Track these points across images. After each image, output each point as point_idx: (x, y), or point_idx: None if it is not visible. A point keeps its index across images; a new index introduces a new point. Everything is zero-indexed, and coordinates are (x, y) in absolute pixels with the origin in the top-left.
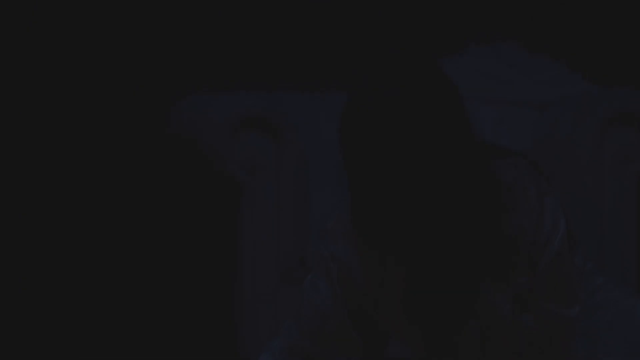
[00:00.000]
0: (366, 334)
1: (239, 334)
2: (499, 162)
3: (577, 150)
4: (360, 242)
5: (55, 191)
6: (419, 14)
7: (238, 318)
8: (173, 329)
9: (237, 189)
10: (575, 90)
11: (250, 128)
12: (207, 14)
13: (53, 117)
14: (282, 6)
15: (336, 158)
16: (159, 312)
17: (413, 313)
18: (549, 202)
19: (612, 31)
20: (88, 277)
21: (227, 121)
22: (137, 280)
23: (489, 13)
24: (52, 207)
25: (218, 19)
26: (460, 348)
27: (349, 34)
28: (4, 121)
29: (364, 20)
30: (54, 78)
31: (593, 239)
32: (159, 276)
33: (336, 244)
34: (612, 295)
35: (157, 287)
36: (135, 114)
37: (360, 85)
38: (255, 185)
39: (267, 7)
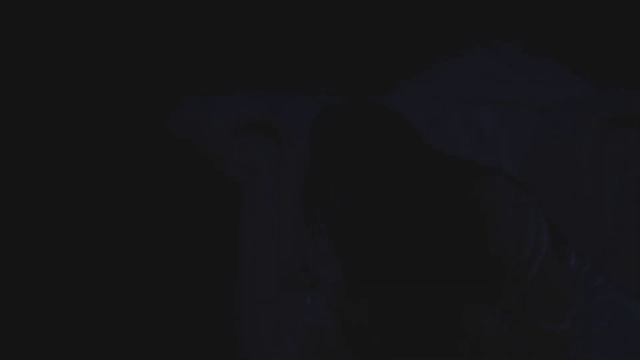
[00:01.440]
0: (364, 348)
1: (239, 335)
2: (477, 183)
3: (577, 151)
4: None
5: (54, 192)
6: (419, 16)
7: (238, 320)
8: (173, 330)
9: (237, 190)
10: (576, 92)
11: (251, 130)
12: (209, 16)
13: (53, 118)
14: (283, 9)
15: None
16: (159, 313)
17: (399, 335)
18: (531, 217)
19: (613, 33)
20: (87, 278)
21: (228, 123)
22: (137, 281)
23: (489, 14)
24: (51, 208)
25: (220, 21)
26: None
27: (349, 37)
28: (4, 121)
29: (364, 22)
30: (54, 79)
31: (594, 241)
32: (160, 277)
33: (330, 269)
34: (611, 296)
35: (157, 288)
36: (136, 115)
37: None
38: (256, 187)
39: (269, 10)
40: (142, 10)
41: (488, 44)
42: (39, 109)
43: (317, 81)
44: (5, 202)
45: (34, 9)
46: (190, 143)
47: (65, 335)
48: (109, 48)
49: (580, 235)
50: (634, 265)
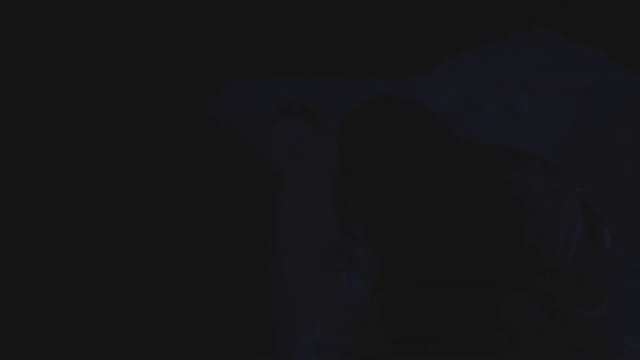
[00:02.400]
0: (397, 326)
1: (277, 322)
2: (509, 175)
3: (616, 138)
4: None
5: (56, 190)
6: (459, 3)
7: (276, 306)
8: (209, 313)
9: (276, 176)
10: (615, 79)
11: (290, 116)
12: (249, 1)
13: (60, 114)
14: None
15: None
16: (195, 299)
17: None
18: (565, 203)
19: None
20: (92, 275)
21: (266, 109)
22: (174, 267)
23: (528, 1)
24: (53, 207)
25: (259, 6)
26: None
27: (388, 20)
28: (4, 121)
29: (404, 5)
30: (61, 75)
31: (632, 227)
32: (197, 264)
33: (367, 249)
34: None
35: (195, 275)
36: (177, 101)
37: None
38: (295, 173)
39: None
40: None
41: (527, 29)
42: (46, 103)
43: (355, 65)
44: (5, 202)
45: (34, 9)
46: (229, 129)
47: (65, 335)
48: (142, 35)
49: (618, 220)
50: None
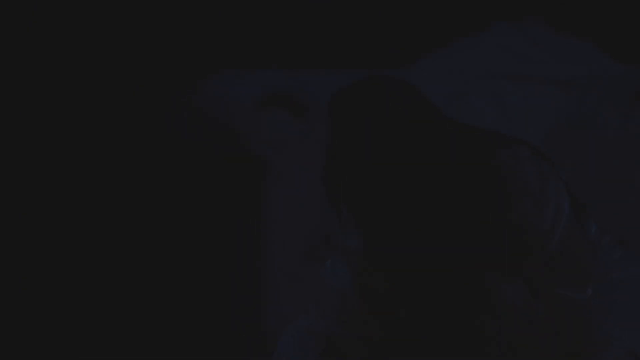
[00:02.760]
0: (383, 313)
1: (263, 309)
2: (499, 152)
3: (602, 126)
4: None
5: (59, 183)
6: None
7: (263, 294)
8: (196, 304)
9: (262, 165)
10: (601, 68)
11: (276, 104)
12: None
13: (61, 108)
14: None
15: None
16: (182, 288)
17: (424, 307)
18: (551, 186)
19: (638, 9)
20: (94, 269)
21: (252, 98)
22: (161, 256)
23: None
24: (56, 199)
25: None
26: (476, 338)
27: (373, 11)
28: (4, 120)
29: None
30: (60, 70)
31: (619, 216)
32: (183, 252)
33: (351, 232)
34: (631, 271)
35: (181, 263)
36: (163, 91)
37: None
38: (280, 163)
39: None
40: None
41: (513, 20)
42: (46, 103)
43: (341, 55)
44: (5, 202)
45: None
46: (215, 118)
47: (65, 335)
48: (131, 24)
49: (604, 207)
50: None
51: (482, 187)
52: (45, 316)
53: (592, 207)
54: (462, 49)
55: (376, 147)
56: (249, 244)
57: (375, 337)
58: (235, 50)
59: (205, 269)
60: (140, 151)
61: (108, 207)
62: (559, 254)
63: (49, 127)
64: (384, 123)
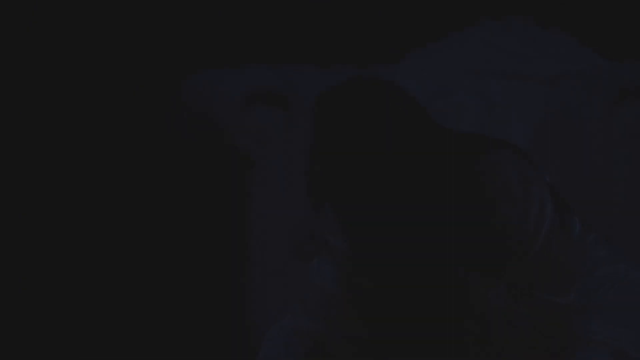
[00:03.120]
0: (370, 316)
1: (248, 306)
2: (482, 156)
3: (587, 124)
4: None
5: (56, 178)
6: None
7: (248, 291)
8: (181, 301)
9: (247, 161)
10: (586, 65)
11: (262, 101)
12: None
13: (54, 105)
14: None
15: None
16: (168, 285)
17: (408, 309)
18: (535, 190)
19: (623, 5)
20: (88, 263)
21: (239, 95)
22: (145, 253)
23: None
24: (52, 194)
25: None
26: (460, 339)
27: (359, 7)
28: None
29: None
30: (60, 59)
31: (602, 214)
32: (168, 249)
33: (336, 232)
34: (616, 267)
35: (166, 260)
36: (147, 89)
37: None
38: (266, 159)
39: None
40: None
41: (498, 16)
42: (45, 86)
43: (327, 52)
44: (5, 202)
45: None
46: (201, 115)
47: (65, 335)
48: (117, 21)
49: (588, 205)
50: None
51: (466, 191)
52: (45, 316)
53: (576, 203)
54: (448, 46)
55: (360, 149)
56: (233, 239)
57: (362, 336)
58: (219, 47)
59: (188, 265)
60: (124, 148)
61: (93, 202)
62: (541, 258)
63: (45, 126)
64: (369, 124)
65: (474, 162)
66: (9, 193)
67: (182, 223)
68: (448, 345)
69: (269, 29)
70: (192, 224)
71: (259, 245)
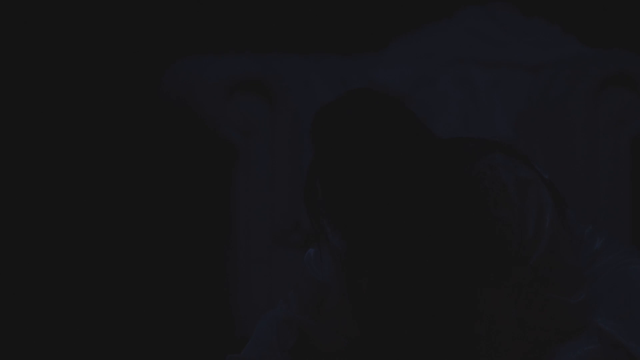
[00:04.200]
0: (362, 310)
1: (233, 296)
2: (474, 163)
3: (571, 111)
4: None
5: (47, 174)
6: None
7: (232, 280)
8: (165, 291)
9: (231, 151)
10: (570, 52)
11: (245, 90)
12: None
13: (43, 82)
14: None
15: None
16: (151, 275)
17: (415, 320)
18: (532, 192)
19: None
20: (75, 237)
21: (221, 83)
22: (128, 243)
23: None
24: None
25: None
26: (469, 349)
27: None
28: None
29: None
30: (43, 42)
31: (586, 201)
32: (152, 239)
33: (337, 237)
34: (612, 258)
35: (150, 250)
36: (129, 76)
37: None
38: (250, 148)
39: None
40: None
41: (481, 3)
42: (26, 72)
43: (310, 40)
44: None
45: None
46: (184, 104)
47: (65, 335)
48: (101, 7)
49: (574, 193)
50: (626, 225)
51: (462, 198)
52: (45, 316)
53: (563, 192)
54: (432, 34)
55: (360, 163)
56: (217, 229)
57: (355, 333)
58: (201, 35)
59: (172, 255)
60: (105, 138)
61: (98, 170)
62: (546, 259)
63: (38, 92)
64: (369, 138)
65: (468, 168)
66: (5, 192)
67: (166, 214)
68: (452, 348)
69: (251, 17)
70: (175, 214)
71: (243, 236)
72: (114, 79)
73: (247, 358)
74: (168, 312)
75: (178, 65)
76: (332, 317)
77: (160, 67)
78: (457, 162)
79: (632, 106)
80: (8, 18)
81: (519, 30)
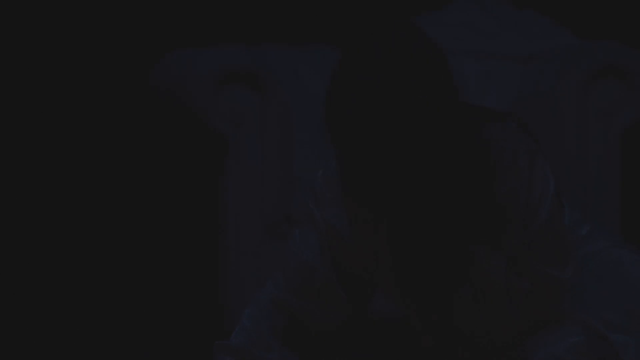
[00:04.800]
0: (351, 290)
1: (223, 287)
2: (488, 125)
3: (561, 103)
4: (350, 208)
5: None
6: None
7: (222, 272)
8: (156, 283)
9: (221, 143)
10: (560, 43)
11: (235, 82)
12: None
13: (36, 76)
14: None
15: (321, 112)
16: (140, 266)
17: (405, 280)
18: (539, 163)
19: None
20: (66, 231)
21: (211, 75)
22: (116, 232)
23: None
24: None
25: None
26: (454, 313)
27: None
28: None
29: None
30: (36, 36)
31: (577, 192)
32: (142, 229)
33: (325, 207)
34: (597, 246)
35: (138, 241)
36: (119, 69)
37: (347, 57)
38: (240, 139)
39: None
40: None
41: None
42: (18, 66)
43: (301, 32)
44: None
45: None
46: (174, 95)
47: (65, 335)
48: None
49: (564, 183)
50: (616, 216)
51: (472, 160)
52: (45, 316)
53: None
54: (422, 25)
55: (376, 117)
56: (208, 221)
57: (344, 313)
58: (191, 26)
59: (161, 245)
60: (96, 131)
61: (89, 163)
62: (543, 231)
63: (31, 87)
64: (388, 92)
65: (481, 131)
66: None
67: (156, 205)
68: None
69: (241, 8)
70: (166, 206)
71: (233, 227)
72: (104, 71)
73: (235, 344)
74: (157, 304)
75: (168, 57)
76: (320, 297)
77: (151, 59)
78: (467, 122)
79: (622, 98)
80: None
81: (510, 21)
